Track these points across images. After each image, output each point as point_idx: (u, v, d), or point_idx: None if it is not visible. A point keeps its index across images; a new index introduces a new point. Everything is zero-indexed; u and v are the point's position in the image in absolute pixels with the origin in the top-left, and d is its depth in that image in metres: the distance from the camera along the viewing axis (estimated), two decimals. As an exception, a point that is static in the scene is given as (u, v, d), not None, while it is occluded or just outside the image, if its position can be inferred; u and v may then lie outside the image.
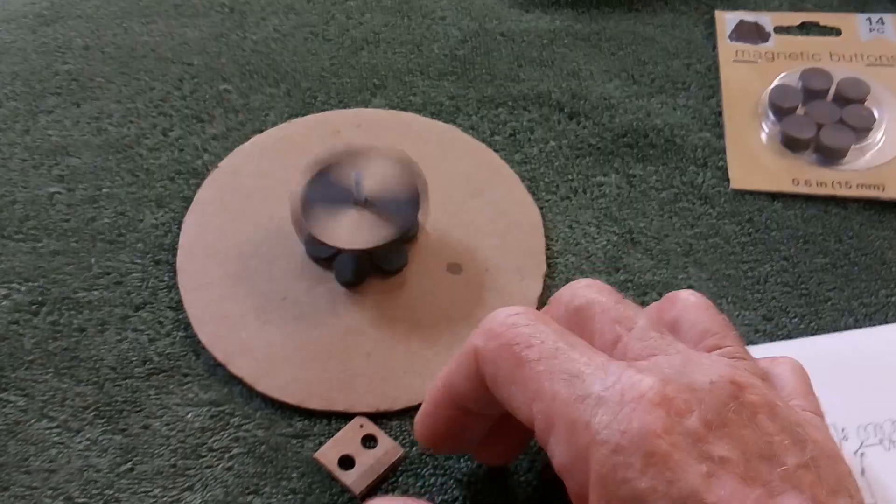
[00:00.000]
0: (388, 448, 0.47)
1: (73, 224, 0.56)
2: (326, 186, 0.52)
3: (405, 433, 0.48)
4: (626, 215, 0.60)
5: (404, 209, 0.52)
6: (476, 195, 0.59)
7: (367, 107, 0.65)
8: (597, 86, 0.67)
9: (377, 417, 0.49)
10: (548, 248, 0.58)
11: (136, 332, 0.51)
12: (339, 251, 0.54)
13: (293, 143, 0.61)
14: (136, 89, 0.65)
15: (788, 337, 0.53)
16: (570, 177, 0.62)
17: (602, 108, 0.66)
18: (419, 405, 0.49)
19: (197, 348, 0.51)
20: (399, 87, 0.67)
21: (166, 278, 0.54)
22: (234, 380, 0.50)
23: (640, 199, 0.61)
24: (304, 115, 0.64)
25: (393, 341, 0.52)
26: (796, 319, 0.54)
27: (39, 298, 0.52)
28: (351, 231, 0.51)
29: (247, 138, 0.62)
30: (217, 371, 0.50)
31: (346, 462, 0.46)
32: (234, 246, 0.55)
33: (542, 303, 0.54)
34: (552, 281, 0.56)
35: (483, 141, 0.63)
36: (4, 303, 0.52)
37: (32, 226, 0.56)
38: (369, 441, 0.47)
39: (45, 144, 0.61)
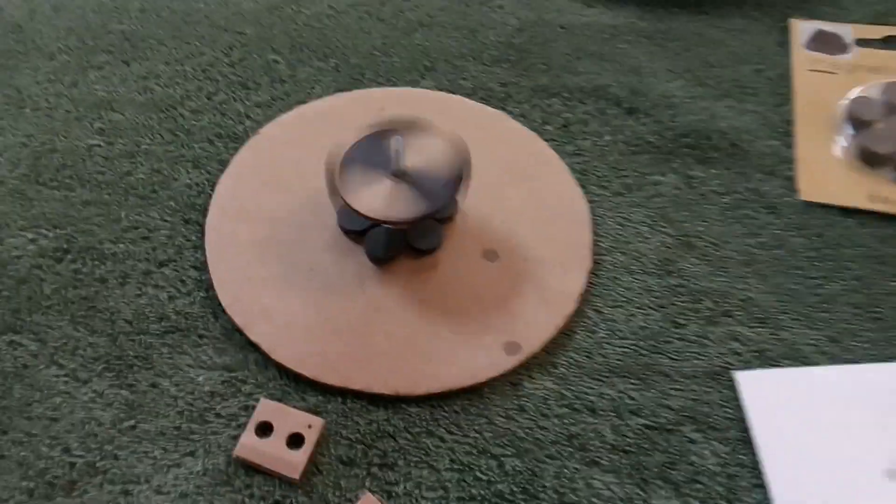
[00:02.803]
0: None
1: (108, 177, 0.55)
2: (367, 152, 0.50)
3: (424, 422, 0.45)
4: (682, 217, 0.56)
5: (443, 186, 0.49)
6: (521, 182, 0.56)
7: (415, 87, 0.63)
8: (659, 84, 0.64)
9: (395, 402, 0.46)
10: (595, 243, 0.54)
11: (156, 289, 0.50)
12: (371, 225, 0.52)
13: (336, 115, 0.59)
14: (186, 53, 0.64)
15: (855, 361, 0.49)
16: (623, 173, 0.58)
17: (663, 106, 0.62)
18: (441, 394, 0.46)
19: (216, 310, 0.49)
20: (450, 71, 0.64)
21: (193, 238, 0.52)
22: (250, 346, 0.48)
23: (699, 203, 0.57)
24: (350, 90, 0.62)
25: (419, 324, 0.49)
26: (867, 344, 0.49)
27: (65, 246, 0.51)
28: (385, 202, 0.48)
29: (290, 108, 0.60)
30: (234, 336, 0.48)
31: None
32: (266, 212, 0.53)
33: (583, 300, 0.51)
34: (597, 278, 0.52)
35: (533, 130, 0.60)
36: (30, 247, 0.51)
37: (68, 175, 0.55)
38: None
39: (90, 98, 0.60)
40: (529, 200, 0.55)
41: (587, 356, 0.49)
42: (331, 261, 0.51)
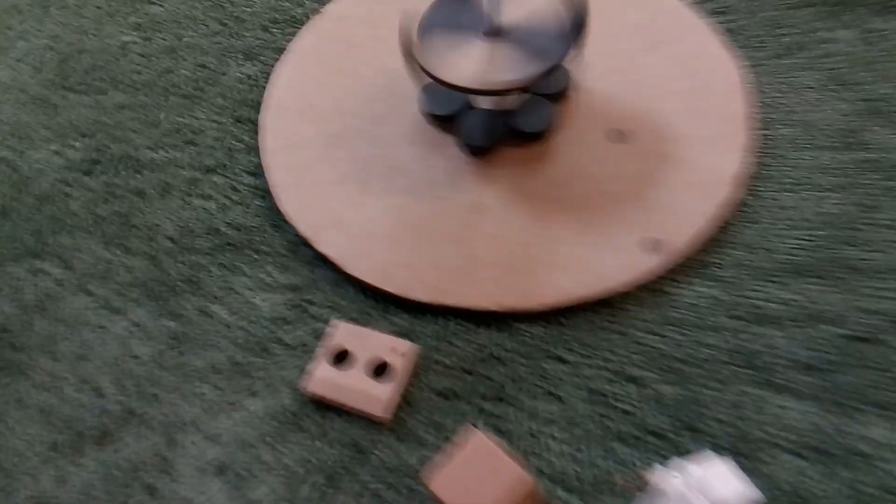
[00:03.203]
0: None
1: (144, 76, 0.46)
2: (450, 12, 0.39)
3: (542, 342, 0.35)
4: (862, 79, 0.43)
5: (556, 40, 0.38)
6: (653, 48, 0.44)
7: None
8: (817, -80, 0.50)
9: (503, 319, 0.36)
10: (752, 116, 0.42)
11: (204, 199, 0.41)
12: (463, 107, 0.41)
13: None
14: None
15: None
16: (781, 31, 0.45)
17: (824, -54, 0.49)
18: (562, 307, 0.35)
19: (276, 220, 0.40)
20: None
21: (246, 138, 0.43)
22: (319, 260, 0.38)
23: (883, 61, 0.44)
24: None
25: (530, 224, 0.38)
26: None
27: (94, 156, 0.42)
28: (480, 67, 0.38)
29: (358, -15, 0.50)
30: (299, 250, 0.39)
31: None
32: (332, 102, 0.43)
33: (742, 184, 0.39)
34: (758, 157, 0.40)
35: (660, -13, 0.48)
36: (55, 160, 0.42)
37: (98, 77, 0.46)
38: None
39: (126, -5, 0.51)
40: (664, 67, 0.43)
41: (750, 252, 0.37)
42: (415, 156, 0.41)
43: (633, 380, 0.33)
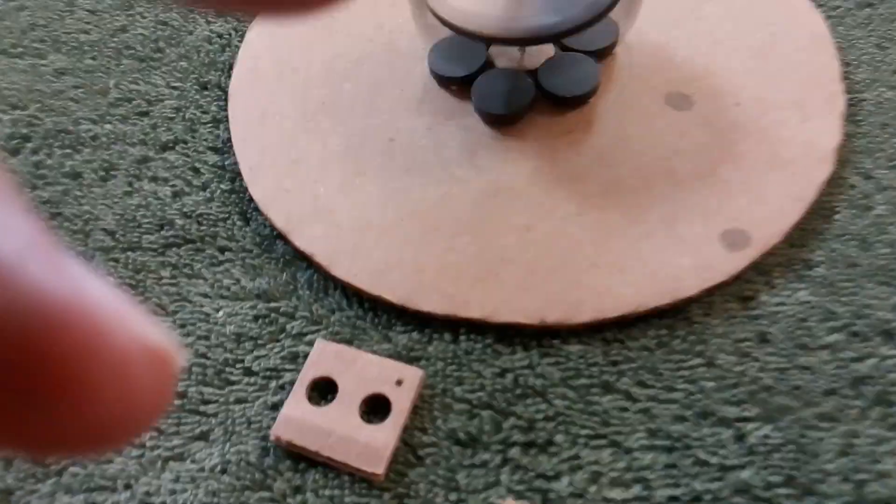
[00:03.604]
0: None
1: (93, 36, 0.38)
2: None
3: (593, 368, 0.26)
4: (979, 29, 0.34)
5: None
6: (716, -6, 0.36)
7: None
8: None
9: (540, 336, 0.27)
10: (845, 77, 0.33)
11: (155, 183, 0.32)
12: (482, 67, 0.33)
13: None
14: None
15: None
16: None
17: None
18: (618, 320, 0.27)
19: (246, 209, 0.31)
20: None
21: (213, 108, 0.35)
22: (298, 260, 0.30)
23: None
24: None
25: (573, 212, 0.30)
26: None
27: (24, 131, 0.34)
28: (504, 13, 0.29)
29: (354, -71, 0.41)
30: (274, 246, 0.30)
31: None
32: (320, 64, 0.35)
33: (841, 160, 0.31)
34: (857, 127, 0.32)
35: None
36: (-24, 137, 0.34)
37: (38, 37, 0.38)
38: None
39: (79, -53, 0.43)
40: (733, 18, 0.35)
41: (861, 247, 0.28)
42: (422, 128, 0.33)
43: (718, 417, 0.25)
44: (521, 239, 0.29)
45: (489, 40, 0.29)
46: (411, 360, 0.27)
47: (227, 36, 0.37)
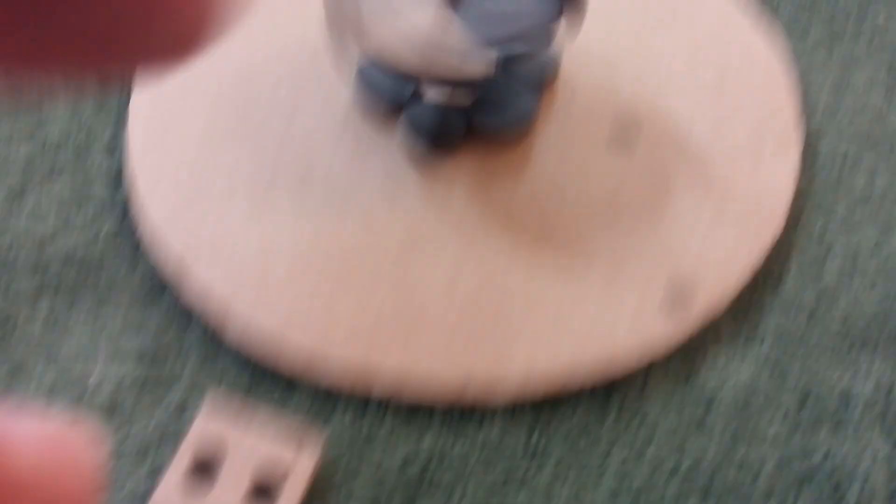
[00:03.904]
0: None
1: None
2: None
3: (519, 451, 0.23)
4: (940, 76, 0.32)
5: (532, 14, 0.27)
6: (668, 26, 0.33)
7: None
8: None
9: (458, 414, 0.24)
10: (802, 122, 0.31)
11: (30, 218, 0.28)
12: (410, 95, 0.29)
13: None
14: None
15: None
16: (828, 11, 0.35)
17: None
18: (546, 396, 0.24)
19: (134, 251, 0.28)
20: None
21: (108, 132, 0.31)
22: (188, 313, 0.26)
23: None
24: None
25: (500, 262, 0.27)
26: None
27: None
28: (430, 42, 0.26)
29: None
30: (163, 294, 0.27)
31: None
32: (233, 81, 0.31)
33: (797, 210, 0.28)
34: (809, 182, 0.29)
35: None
36: None
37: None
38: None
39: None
40: (684, 53, 0.32)
41: (810, 319, 0.26)
42: (341, 160, 0.29)
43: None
44: (443, 295, 0.26)
45: (412, 76, 0.26)
46: (312, 433, 0.23)
47: (130, 48, 0.34)
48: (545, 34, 0.28)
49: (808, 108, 0.32)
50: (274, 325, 0.25)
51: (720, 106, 0.31)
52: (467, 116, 0.29)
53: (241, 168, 0.29)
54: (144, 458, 0.23)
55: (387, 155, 0.29)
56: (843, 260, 0.27)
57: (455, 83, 0.27)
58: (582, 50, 0.32)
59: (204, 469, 0.23)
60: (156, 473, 0.23)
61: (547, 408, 0.24)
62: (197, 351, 0.25)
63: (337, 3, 0.26)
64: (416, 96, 0.30)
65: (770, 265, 0.27)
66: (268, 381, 0.25)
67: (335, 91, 0.31)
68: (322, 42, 0.32)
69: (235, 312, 0.26)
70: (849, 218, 0.28)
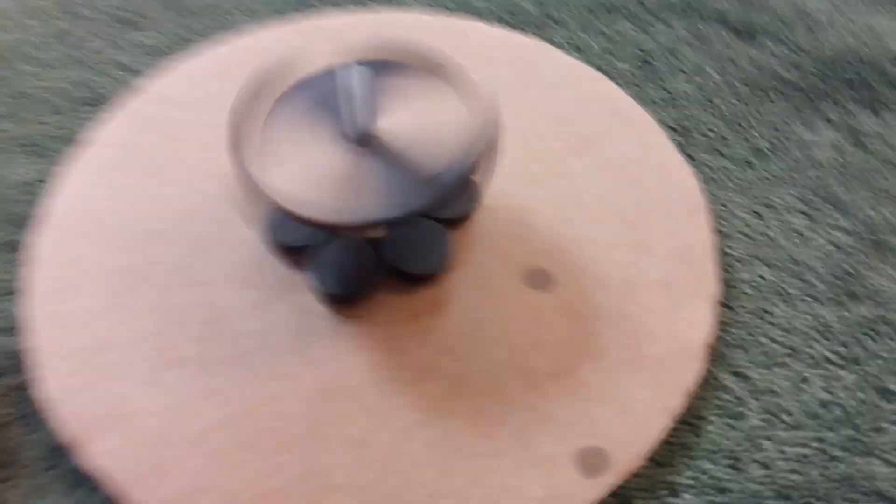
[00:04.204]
0: None
1: None
2: (310, 101, 0.28)
3: None
4: (858, 198, 0.34)
5: (447, 162, 0.27)
6: (584, 151, 0.34)
7: (400, 9, 0.40)
8: (786, -11, 0.42)
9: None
10: (720, 252, 0.32)
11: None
12: (319, 235, 0.30)
13: (270, 56, 0.37)
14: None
15: None
16: (748, 128, 0.36)
17: (797, 23, 0.40)
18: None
19: (31, 419, 0.27)
20: (456, -15, 0.42)
21: (8, 276, 0.31)
22: (87, 481, 0.26)
23: (881, 171, 0.35)
24: (294, 16, 0.40)
25: (412, 420, 0.27)
26: None
27: None
28: (343, 193, 0.26)
29: (196, 53, 0.38)
30: (62, 461, 0.26)
31: None
32: (138, 219, 0.31)
33: (713, 356, 0.29)
34: (731, 312, 0.30)
35: (594, 67, 0.38)
36: None
37: None
38: None
39: None
40: (600, 179, 0.33)
41: (734, 467, 0.27)
42: (248, 304, 0.29)
43: None
44: (353, 457, 0.26)
45: (320, 226, 0.26)
46: None
47: (33, 183, 0.33)
48: (463, 188, 0.28)
49: (729, 232, 0.33)
50: (175, 493, 0.25)
51: (638, 236, 0.31)
52: (383, 255, 0.30)
53: (143, 317, 0.28)
54: None
55: (297, 297, 0.29)
56: (767, 399, 0.28)
57: (365, 229, 0.27)
58: (497, 181, 0.33)
59: None
60: None
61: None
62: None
63: (237, 149, 0.27)
64: (328, 235, 0.30)
65: (693, 406, 0.28)
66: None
67: (241, 233, 0.31)
68: (228, 188, 0.32)
69: (135, 481, 0.25)
70: (774, 354, 0.29)
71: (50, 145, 0.34)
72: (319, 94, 0.28)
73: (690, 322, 0.29)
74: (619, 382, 0.27)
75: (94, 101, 0.36)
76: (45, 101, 0.36)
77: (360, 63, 0.27)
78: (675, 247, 0.31)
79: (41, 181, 0.33)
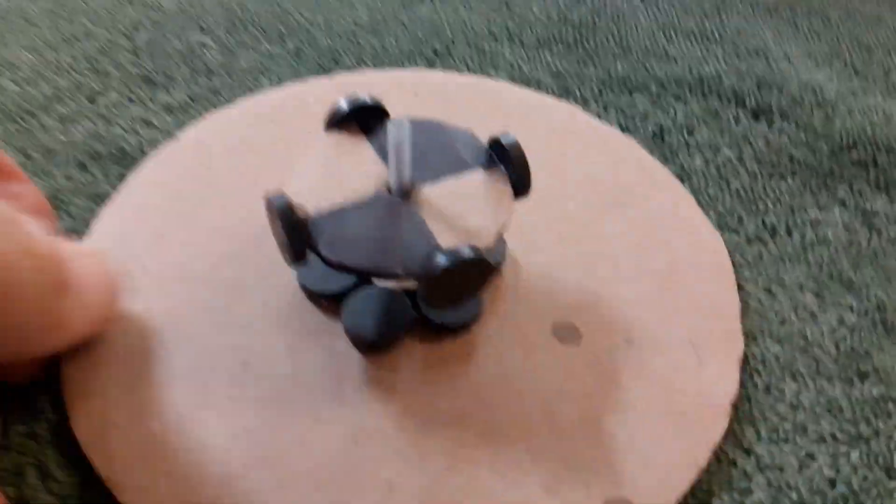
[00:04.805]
0: None
1: None
2: (347, 156, 0.32)
3: None
4: (868, 277, 0.38)
5: (487, 216, 0.31)
6: (613, 210, 0.38)
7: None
8: (797, 73, 0.47)
9: None
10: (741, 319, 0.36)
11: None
12: (354, 283, 0.33)
13: (302, 107, 0.41)
14: (67, 34, 0.47)
15: None
16: (761, 206, 0.40)
17: (809, 104, 0.45)
18: None
19: (60, 445, 0.30)
20: (473, 56, 0.47)
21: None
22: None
23: (892, 253, 0.39)
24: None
25: (440, 466, 0.29)
26: None
27: None
28: (382, 244, 0.30)
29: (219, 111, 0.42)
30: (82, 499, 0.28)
31: None
32: (174, 266, 0.34)
33: (743, 414, 0.32)
34: (747, 377, 0.34)
35: (613, 140, 0.43)
36: None
37: None
38: None
39: None
40: (629, 235, 0.37)
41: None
42: (282, 348, 0.32)
43: None
44: (383, 500, 0.29)
45: (356, 275, 0.29)
46: None
47: (64, 233, 0.37)
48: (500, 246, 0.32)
49: (744, 305, 0.36)
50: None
51: (666, 295, 0.35)
52: (415, 303, 0.33)
53: (177, 358, 0.31)
54: None
55: (330, 341, 0.32)
56: (771, 474, 0.31)
57: (404, 278, 0.30)
58: (527, 238, 0.36)
59: None
60: None
61: None
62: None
63: (280, 199, 0.30)
64: (362, 282, 0.33)
65: (701, 481, 0.30)
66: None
67: (280, 271, 0.34)
68: (267, 232, 0.35)
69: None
70: (782, 430, 0.32)
71: (76, 202, 0.38)
72: (375, 144, 0.31)
73: (716, 379, 0.32)
74: (646, 435, 0.30)
75: (120, 159, 0.39)
76: (71, 158, 0.39)
77: (413, 121, 0.31)
78: (703, 307, 0.34)
79: (61, 233, 0.36)
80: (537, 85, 0.45)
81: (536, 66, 0.46)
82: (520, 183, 0.31)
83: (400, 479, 0.29)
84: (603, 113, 0.44)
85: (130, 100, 0.43)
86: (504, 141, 0.31)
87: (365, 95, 0.33)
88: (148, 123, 0.41)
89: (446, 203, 0.30)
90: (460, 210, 0.30)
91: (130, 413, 0.30)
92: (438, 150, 0.32)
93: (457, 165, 0.32)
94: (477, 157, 0.32)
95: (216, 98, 0.43)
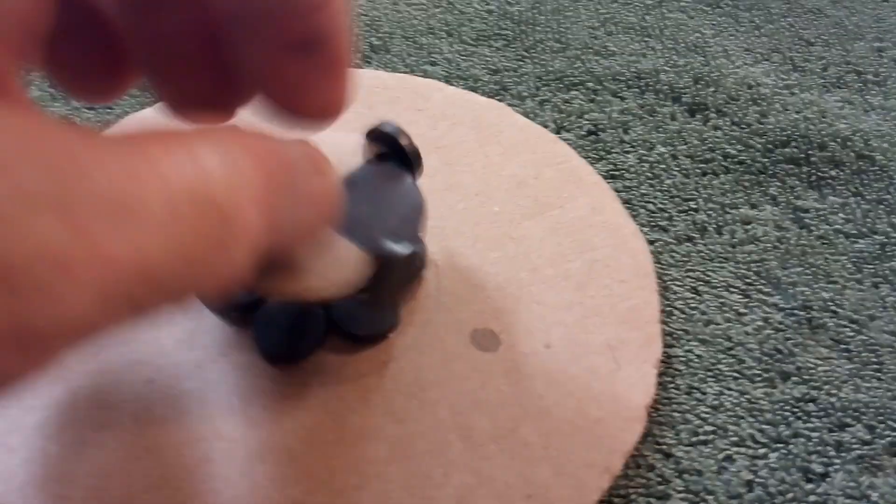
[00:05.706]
0: None
1: None
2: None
3: None
4: (795, 277, 0.37)
5: (407, 222, 0.30)
6: (535, 213, 0.37)
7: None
8: (734, 68, 0.46)
9: None
10: (663, 321, 0.35)
11: None
12: (262, 297, 0.32)
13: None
14: None
15: None
16: (692, 204, 0.39)
17: (746, 100, 0.44)
18: None
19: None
20: (410, 52, 0.45)
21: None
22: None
23: (820, 251, 0.38)
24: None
25: (349, 484, 0.28)
26: None
27: None
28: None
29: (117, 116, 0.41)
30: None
31: None
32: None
33: (663, 418, 0.31)
34: (663, 390, 0.33)
35: (545, 137, 0.41)
36: None
37: None
38: None
39: None
40: (551, 241, 0.36)
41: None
42: (190, 364, 0.31)
43: None
44: (292, 519, 0.28)
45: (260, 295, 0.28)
46: None
47: None
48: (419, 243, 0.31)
49: (666, 308, 0.35)
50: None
51: (586, 298, 0.34)
52: (328, 315, 0.32)
53: (80, 375, 0.30)
54: None
55: (239, 356, 0.31)
56: (689, 478, 0.30)
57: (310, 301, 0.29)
58: (450, 242, 0.35)
59: None
60: None
61: None
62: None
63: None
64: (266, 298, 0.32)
65: (618, 486, 0.30)
66: None
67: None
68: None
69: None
70: (700, 432, 0.31)
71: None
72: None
73: (632, 383, 0.31)
74: (560, 443, 0.29)
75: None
76: None
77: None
78: (622, 309, 0.33)
79: None
80: (475, 81, 0.44)
81: (475, 62, 0.45)
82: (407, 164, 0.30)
83: (307, 498, 0.28)
84: (539, 110, 0.43)
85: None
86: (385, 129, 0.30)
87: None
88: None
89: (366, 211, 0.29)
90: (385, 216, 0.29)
91: (25, 435, 0.29)
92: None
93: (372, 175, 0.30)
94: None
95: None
